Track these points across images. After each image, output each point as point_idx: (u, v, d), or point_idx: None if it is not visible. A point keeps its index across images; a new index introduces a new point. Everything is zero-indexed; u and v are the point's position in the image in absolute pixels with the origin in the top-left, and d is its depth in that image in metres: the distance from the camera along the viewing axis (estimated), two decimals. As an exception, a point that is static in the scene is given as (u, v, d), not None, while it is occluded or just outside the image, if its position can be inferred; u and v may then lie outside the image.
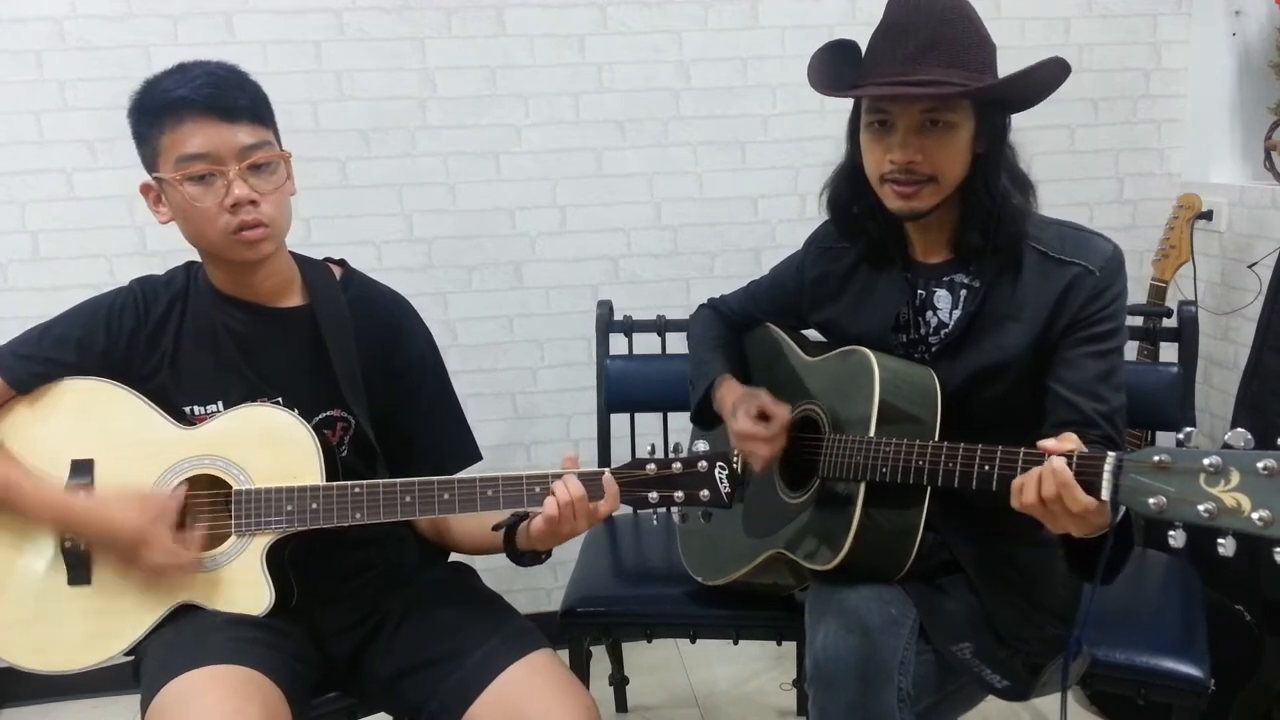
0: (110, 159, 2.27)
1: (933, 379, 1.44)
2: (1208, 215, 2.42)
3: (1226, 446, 1.03)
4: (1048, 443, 1.18)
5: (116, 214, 2.29)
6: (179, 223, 1.40)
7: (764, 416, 1.50)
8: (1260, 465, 0.98)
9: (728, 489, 1.37)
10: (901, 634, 1.34)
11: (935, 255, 1.49)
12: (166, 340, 1.46)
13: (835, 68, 1.43)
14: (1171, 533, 1.05)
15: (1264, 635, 1.93)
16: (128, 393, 1.43)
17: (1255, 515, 0.98)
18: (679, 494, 1.37)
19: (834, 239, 1.59)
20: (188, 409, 1.45)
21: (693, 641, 1.79)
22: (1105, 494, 1.10)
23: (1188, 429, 1.09)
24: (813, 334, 1.69)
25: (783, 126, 2.48)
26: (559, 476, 1.35)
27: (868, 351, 1.46)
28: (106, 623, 1.39)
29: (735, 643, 1.79)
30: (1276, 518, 0.97)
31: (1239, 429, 1.03)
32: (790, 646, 2.00)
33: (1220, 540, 1.01)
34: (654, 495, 1.37)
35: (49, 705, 2.45)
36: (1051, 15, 2.52)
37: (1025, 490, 1.18)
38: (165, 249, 2.22)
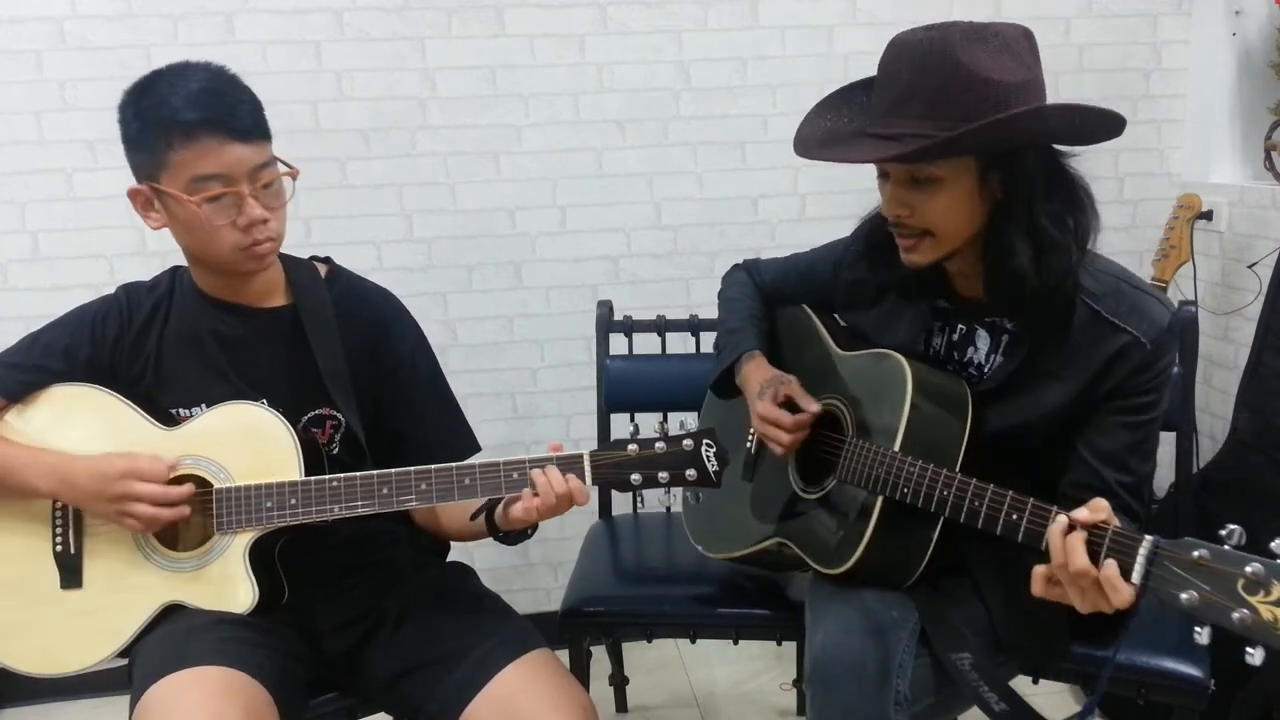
0: (110, 159, 2.23)
1: (965, 395, 1.38)
2: (1208, 215, 2.42)
3: (1272, 555, 0.95)
4: (1079, 513, 1.13)
5: (116, 214, 2.27)
6: (179, 232, 1.40)
7: (790, 404, 1.47)
8: None
9: (715, 467, 1.32)
10: (901, 636, 1.34)
11: (975, 292, 1.41)
12: (150, 345, 1.47)
13: (837, 117, 1.40)
14: (1198, 629, 1.00)
15: (1264, 636, 1.93)
16: (111, 396, 1.45)
17: None
18: (663, 474, 1.32)
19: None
20: (173, 412, 1.45)
21: (693, 641, 1.79)
22: (1136, 578, 1.05)
23: (1231, 526, 1.00)
24: None
25: (783, 126, 2.47)
26: (536, 463, 1.33)
27: (902, 360, 1.40)
28: (98, 625, 1.40)
29: (735, 643, 1.78)
30: None
31: None
32: (790, 646, 1.99)
33: (1249, 650, 0.95)
34: (636, 477, 1.32)
35: (49, 705, 2.45)
36: (1051, 15, 2.51)
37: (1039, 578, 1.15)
38: (165, 249, 2.16)
